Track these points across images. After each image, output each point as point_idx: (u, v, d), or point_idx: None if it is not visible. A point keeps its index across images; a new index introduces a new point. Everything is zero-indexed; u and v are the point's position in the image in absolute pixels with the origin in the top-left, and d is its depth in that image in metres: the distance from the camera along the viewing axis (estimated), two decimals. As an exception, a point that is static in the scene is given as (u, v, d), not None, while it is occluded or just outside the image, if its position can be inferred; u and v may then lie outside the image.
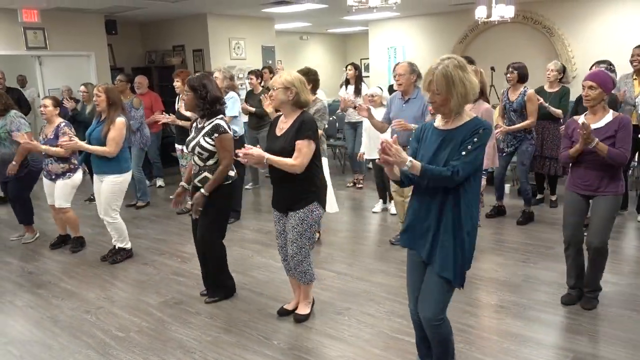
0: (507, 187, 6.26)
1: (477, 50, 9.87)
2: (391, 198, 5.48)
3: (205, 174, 3.52)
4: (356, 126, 6.84)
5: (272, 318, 3.49)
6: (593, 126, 3.26)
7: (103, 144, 4.32)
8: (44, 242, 5.29)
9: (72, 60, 8.91)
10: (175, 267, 4.52)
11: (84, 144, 4.38)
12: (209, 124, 3.48)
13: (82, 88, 6.52)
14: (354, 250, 4.80)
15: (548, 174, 5.73)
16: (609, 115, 3.28)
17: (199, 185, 3.55)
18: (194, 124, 3.67)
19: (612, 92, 3.99)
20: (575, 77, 8.93)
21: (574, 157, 3.34)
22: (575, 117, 3.47)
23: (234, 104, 5.52)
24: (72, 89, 7.99)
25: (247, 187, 7.16)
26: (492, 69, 8.31)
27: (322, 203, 3.23)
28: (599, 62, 5.12)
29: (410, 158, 2.19)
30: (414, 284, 2.49)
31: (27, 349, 3.23)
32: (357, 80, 7.02)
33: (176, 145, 5.87)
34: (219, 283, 3.78)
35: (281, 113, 3.23)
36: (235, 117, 5.58)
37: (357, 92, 6.86)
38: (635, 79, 5.18)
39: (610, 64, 5.07)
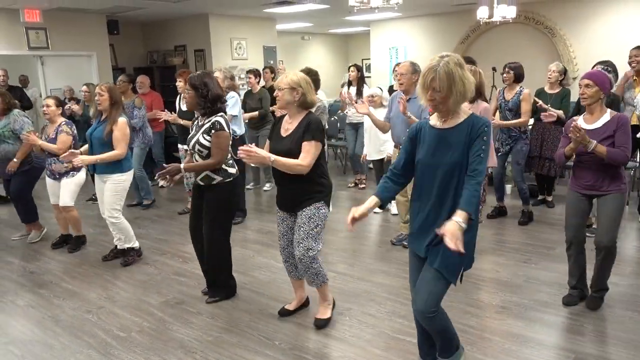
0: (508, 187, 6.26)
1: (478, 50, 9.87)
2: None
3: (207, 172, 3.54)
4: (357, 126, 6.84)
5: (273, 318, 3.49)
6: (590, 127, 3.25)
7: (105, 143, 4.31)
8: (46, 241, 5.29)
9: (73, 60, 8.93)
10: (177, 267, 4.53)
11: (93, 157, 4.29)
12: (208, 122, 3.49)
13: (84, 88, 6.53)
14: (354, 251, 4.80)
15: (547, 174, 5.73)
16: (607, 115, 3.26)
17: (201, 183, 3.56)
18: (195, 122, 3.68)
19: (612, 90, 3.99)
20: (576, 77, 8.92)
21: (568, 157, 3.34)
22: (575, 118, 3.47)
23: (234, 103, 5.53)
24: (73, 89, 8.01)
25: (248, 187, 7.16)
26: (494, 69, 8.29)
27: (328, 203, 3.20)
28: (600, 63, 5.12)
29: None
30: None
31: (29, 348, 3.24)
32: (359, 81, 7.02)
33: (179, 145, 5.87)
34: (220, 283, 3.78)
35: (285, 113, 3.21)
36: (235, 116, 5.58)
37: (359, 93, 6.85)
38: (635, 79, 5.19)
39: (611, 64, 5.07)
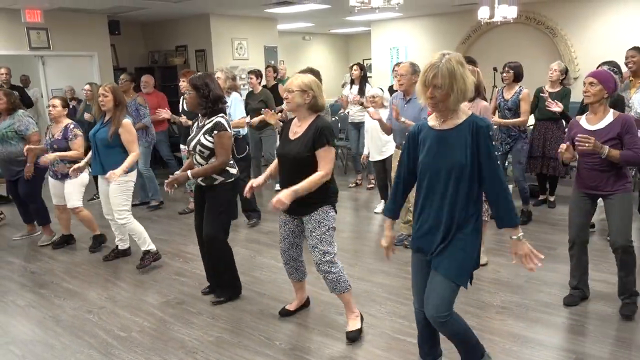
0: (509, 187, 6.25)
1: (479, 50, 9.86)
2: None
3: None
4: (359, 126, 6.83)
5: (274, 318, 3.49)
6: (593, 127, 3.22)
7: (109, 145, 4.27)
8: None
9: (75, 60, 8.93)
10: (178, 267, 4.53)
11: (120, 171, 4.21)
12: (209, 122, 3.49)
13: (87, 87, 6.51)
14: (355, 251, 4.80)
15: (553, 174, 5.72)
16: (610, 116, 3.22)
17: (203, 184, 3.56)
18: (195, 123, 3.67)
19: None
20: (577, 77, 8.91)
21: (566, 164, 3.33)
22: (577, 118, 3.44)
23: (238, 105, 5.48)
24: (74, 89, 8.01)
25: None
26: (495, 69, 8.28)
27: (334, 206, 3.14)
28: (605, 63, 5.08)
29: None
30: (420, 284, 2.48)
31: (29, 348, 3.24)
32: (362, 80, 7.00)
33: (181, 146, 5.86)
34: (224, 283, 3.75)
35: (293, 117, 3.16)
36: (244, 117, 5.54)
37: (362, 92, 6.85)
38: (632, 80, 5.18)
39: (616, 65, 5.04)
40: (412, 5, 9.24)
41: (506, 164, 5.72)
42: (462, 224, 2.29)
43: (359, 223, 5.71)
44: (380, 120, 4.55)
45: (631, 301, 3.33)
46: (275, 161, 3.28)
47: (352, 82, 7.13)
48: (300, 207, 3.08)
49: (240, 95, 5.82)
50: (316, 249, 3.08)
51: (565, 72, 5.55)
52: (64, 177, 4.79)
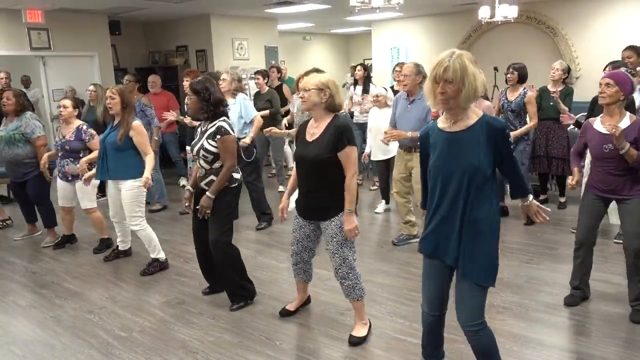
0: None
1: (480, 50, 9.85)
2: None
3: (212, 177, 3.49)
4: (364, 127, 6.83)
5: (274, 318, 3.49)
6: (608, 131, 3.11)
7: (118, 148, 4.18)
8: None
9: (75, 60, 8.94)
10: (178, 267, 4.53)
11: (144, 179, 4.14)
12: (211, 126, 3.47)
13: (92, 87, 6.46)
14: (356, 251, 4.78)
15: (555, 174, 5.70)
16: (627, 119, 3.14)
17: (206, 188, 3.50)
18: (198, 128, 3.64)
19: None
20: (579, 77, 8.91)
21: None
22: (590, 120, 3.36)
23: (248, 105, 5.37)
24: (75, 90, 8.01)
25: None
26: (495, 69, 8.29)
27: (355, 208, 3.04)
28: (612, 63, 5.01)
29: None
30: (431, 289, 2.43)
31: (30, 348, 3.24)
32: (366, 81, 7.00)
33: (187, 147, 5.84)
34: (233, 286, 3.66)
35: (310, 118, 3.09)
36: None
37: (366, 93, 6.84)
38: None
39: (624, 64, 4.98)
40: (413, 5, 9.24)
41: None
42: (479, 226, 2.25)
43: (360, 223, 5.65)
44: (400, 136, 4.43)
45: None
46: (293, 176, 3.21)
47: (356, 82, 7.12)
48: (320, 212, 3.02)
49: (247, 95, 5.78)
50: (336, 255, 3.03)
51: (567, 71, 5.53)
52: (74, 178, 4.75)
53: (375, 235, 5.36)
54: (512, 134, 5.16)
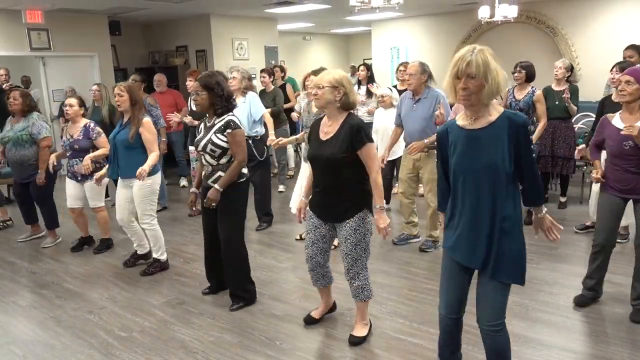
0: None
1: (480, 50, 9.84)
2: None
3: (219, 173, 3.44)
4: (369, 127, 6.82)
5: (274, 318, 3.49)
6: (623, 134, 3.07)
7: (130, 146, 4.13)
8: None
9: (75, 61, 8.95)
10: (178, 267, 4.53)
11: (147, 167, 4.03)
12: (219, 121, 3.43)
13: (95, 87, 6.44)
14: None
15: (560, 173, 5.69)
16: None
17: (213, 186, 3.44)
18: (202, 124, 3.59)
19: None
20: (579, 77, 8.91)
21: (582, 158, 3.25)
22: (609, 115, 3.31)
23: (258, 103, 5.28)
24: (75, 90, 8.00)
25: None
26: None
27: (371, 209, 3.01)
28: (620, 63, 4.88)
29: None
30: (452, 290, 2.40)
31: (30, 348, 3.24)
32: (369, 81, 6.98)
33: (190, 147, 5.82)
34: (238, 283, 3.65)
35: (322, 116, 3.04)
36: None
37: (369, 93, 6.83)
38: None
39: (631, 64, 4.94)
40: (413, 5, 9.25)
41: None
42: (507, 226, 2.21)
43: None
44: (419, 147, 4.42)
45: None
46: (309, 177, 3.15)
47: (359, 82, 7.10)
48: (335, 213, 2.97)
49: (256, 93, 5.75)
50: (349, 256, 2.99)
51: (570, 69, 5.50)
52: (84, 178, 4.71)
53: (376, 235, 5.33)
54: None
